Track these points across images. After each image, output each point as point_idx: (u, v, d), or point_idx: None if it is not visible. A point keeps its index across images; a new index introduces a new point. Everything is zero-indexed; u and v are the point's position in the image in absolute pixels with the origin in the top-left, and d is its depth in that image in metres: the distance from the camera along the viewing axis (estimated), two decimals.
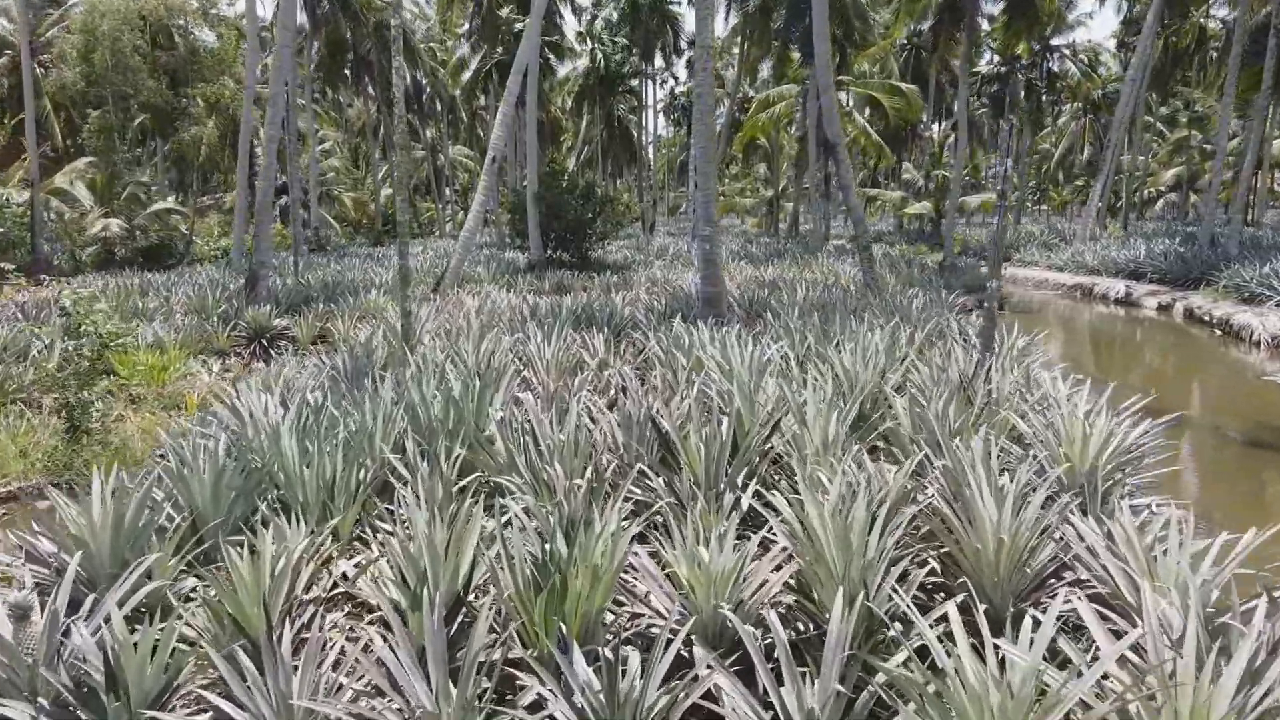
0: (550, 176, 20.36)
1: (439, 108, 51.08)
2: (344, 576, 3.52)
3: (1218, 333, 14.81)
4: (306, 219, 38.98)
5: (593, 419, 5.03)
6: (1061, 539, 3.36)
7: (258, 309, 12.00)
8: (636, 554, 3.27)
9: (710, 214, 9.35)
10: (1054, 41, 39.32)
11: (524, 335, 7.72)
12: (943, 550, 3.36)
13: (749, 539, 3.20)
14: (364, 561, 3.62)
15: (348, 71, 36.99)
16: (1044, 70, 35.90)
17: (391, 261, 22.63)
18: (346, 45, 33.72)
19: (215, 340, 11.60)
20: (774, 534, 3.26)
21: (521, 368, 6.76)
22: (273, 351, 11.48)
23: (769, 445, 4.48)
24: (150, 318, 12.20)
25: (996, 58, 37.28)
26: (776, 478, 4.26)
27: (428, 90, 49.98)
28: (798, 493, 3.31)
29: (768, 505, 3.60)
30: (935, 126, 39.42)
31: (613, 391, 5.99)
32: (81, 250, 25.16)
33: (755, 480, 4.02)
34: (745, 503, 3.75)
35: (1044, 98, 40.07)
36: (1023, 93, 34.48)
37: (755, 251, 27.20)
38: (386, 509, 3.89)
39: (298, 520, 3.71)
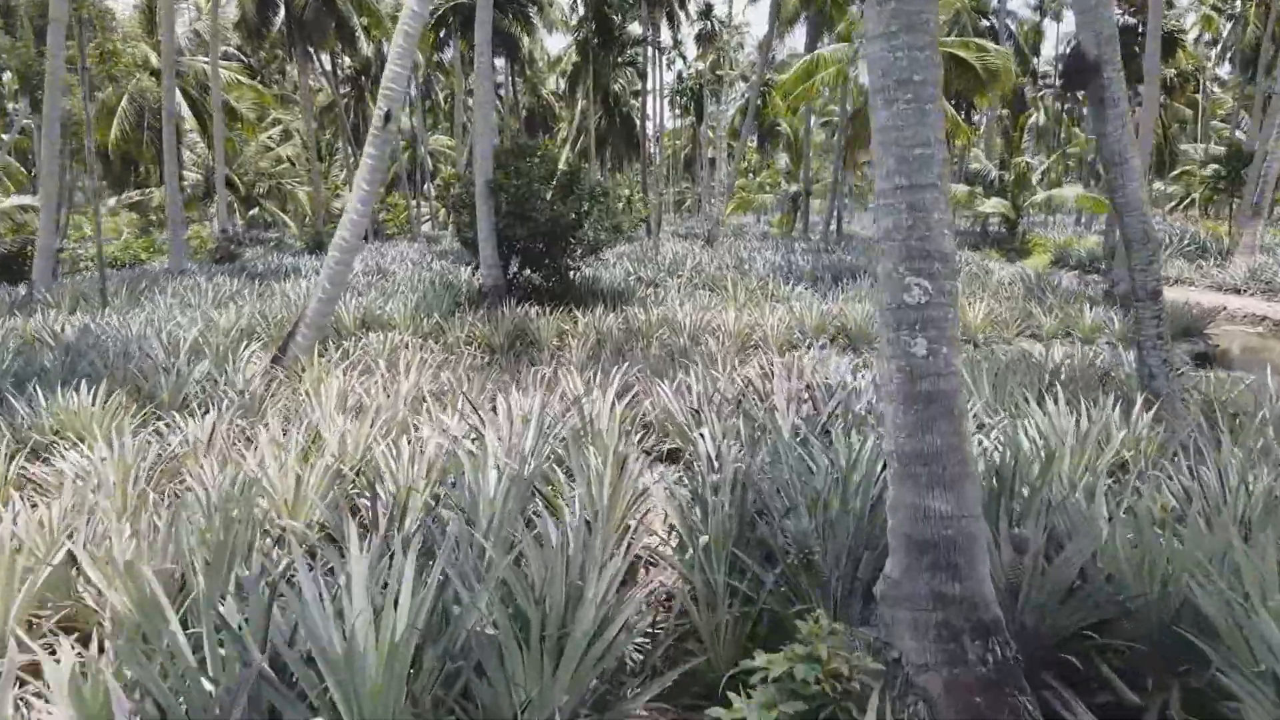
0: (514, 156, 13.49)
1: (414, 92, 44.36)
2: None
3: None
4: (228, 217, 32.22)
5: None
6: None
7: None
8: None
9: (934, 234, 2.63)
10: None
11: None
12: None
13: None
14: None
15: (288, 44, 30.14)
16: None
17: (299, 283, 16.01)
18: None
19: None
20: None
21: None
22: None
23: None
24: None
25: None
26: None
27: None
28: None
29: None
30: (1001, 108, 32.66)
31: None
32: None
33: None
34: None
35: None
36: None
37: (800, 263, 20.41)
38: None
39: None
